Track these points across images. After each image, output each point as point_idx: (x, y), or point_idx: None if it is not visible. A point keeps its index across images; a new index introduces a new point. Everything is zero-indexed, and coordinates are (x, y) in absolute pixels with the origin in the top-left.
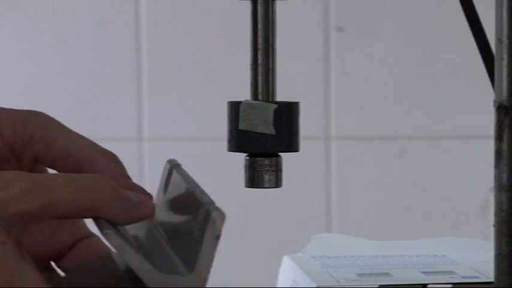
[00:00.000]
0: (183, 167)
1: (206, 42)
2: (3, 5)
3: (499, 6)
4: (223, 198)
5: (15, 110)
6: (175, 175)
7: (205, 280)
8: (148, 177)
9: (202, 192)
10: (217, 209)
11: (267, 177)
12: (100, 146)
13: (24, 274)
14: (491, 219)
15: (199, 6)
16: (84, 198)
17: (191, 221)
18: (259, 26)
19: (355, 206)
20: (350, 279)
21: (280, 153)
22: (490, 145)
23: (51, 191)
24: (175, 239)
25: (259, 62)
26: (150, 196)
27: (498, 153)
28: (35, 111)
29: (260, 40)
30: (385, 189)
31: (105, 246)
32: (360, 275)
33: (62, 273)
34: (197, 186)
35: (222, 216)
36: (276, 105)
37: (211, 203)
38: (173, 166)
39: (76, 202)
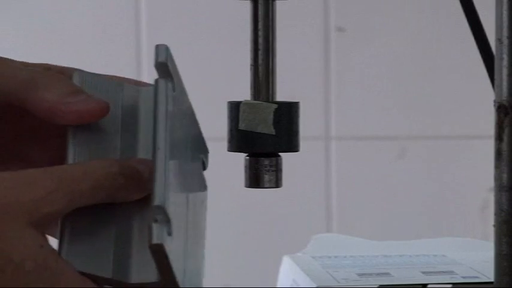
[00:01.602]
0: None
1: (206, 42)
2: (3, 4)
3: (499, 6)
4: (223, 198)
5: None
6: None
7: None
8: None
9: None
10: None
11: (267, 177)
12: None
13: (66, 273)
14: (491, 219)
15: (199, 6)
16: (102, 191)
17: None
18: (259, 26)
19: (355, 206)
20: (350, 279)
21: (280, 153)
22: (490, 145)
23: (74, 189)
24: None
25: (259, 62)
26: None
27: (498, 153)
28: None
29: (260, 40)
30: (385, 189)
31: None
32: (360, 275)
33: None
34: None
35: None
36: (276, 105)
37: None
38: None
39: (95, 195)
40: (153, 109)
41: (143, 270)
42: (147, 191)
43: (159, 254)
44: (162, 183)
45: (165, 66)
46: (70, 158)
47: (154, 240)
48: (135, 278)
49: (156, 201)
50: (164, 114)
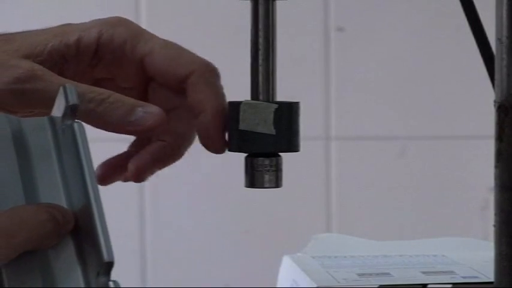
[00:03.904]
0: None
1: (206, 42)
2: (3, 4)
3: (499, 6)
4: (224, 198)
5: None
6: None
7: None
8: None
9: None
10: None
11: (267, 177)
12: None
13: None
14: (491, 219)
15: (199, 6)
16: (34, 240)
17: None
18: (260, 26)
19: (355, 206)
20: (350, 279)
21: (280, 153)
22: (490, 145)
23: (10, 242)
24: None
25: (260, 62)
26: None
27: (498, 153)
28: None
29: (260, 40)
30: (385, 189)
31: None
32: (360, 275)
33: None
34: None
35: None
36: (276, 105)
37: None
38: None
39: (27, 246)
40: (48, 146)
41: None
42: (62, 238)
43: None
44: (108, 236)
45: (76, 108)
46: None
47: None
48: None
49: (108, 257)
50: (90, 162)
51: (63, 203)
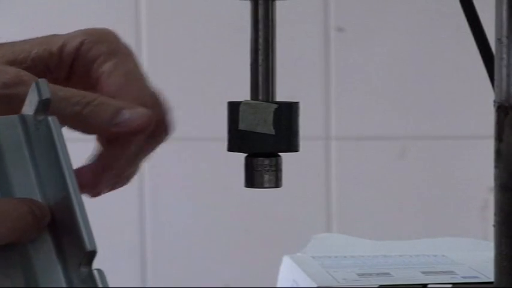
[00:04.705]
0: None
1: (206, 42)
2: (2, 5)
3: (499, 6)
4: (224, 198)
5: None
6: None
7: None
8: (147, 177)
9: None
10: None
11: (267, 177)
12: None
13: None
14: (491, 219)
15: (199, 6)
16: (16, 232)
17: None
18: (259, 26)
19: (355, 206)
20: (350, 279)
21: (280, 153)
22: (490, 145)
23: None
24: None
25: (259, 62)
26: None
27: (498, 153)
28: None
29: (260, 40)
30: (385, 189)
31: None
32: (360, 275)
33: None
34: None
35: None
36: (276, 105)
37: None
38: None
39: (9, 238)
40: (27, 143)
41: None
42: (41, 232)
43: None
44: (90, 226)
45: (49, 103)
46: None
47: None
48: None
49: (90, 246)
50: (67, 155)
51: (37, 198)
